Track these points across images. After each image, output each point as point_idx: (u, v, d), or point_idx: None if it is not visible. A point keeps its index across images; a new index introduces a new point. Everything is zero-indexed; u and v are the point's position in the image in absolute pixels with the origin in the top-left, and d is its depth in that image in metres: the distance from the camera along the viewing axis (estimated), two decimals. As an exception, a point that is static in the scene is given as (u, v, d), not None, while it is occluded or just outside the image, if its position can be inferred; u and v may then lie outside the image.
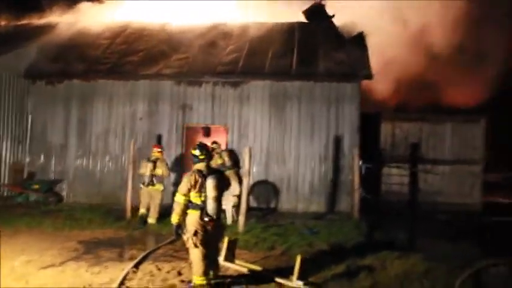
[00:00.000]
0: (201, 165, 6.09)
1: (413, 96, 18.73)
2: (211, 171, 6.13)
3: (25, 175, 13.93)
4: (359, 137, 12.94)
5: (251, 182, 12.87)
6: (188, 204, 5.93)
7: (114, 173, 13.73)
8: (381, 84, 17.61)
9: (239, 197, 10.19)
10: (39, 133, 14.15)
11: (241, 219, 9.65)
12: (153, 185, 10.57)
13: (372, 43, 14.84)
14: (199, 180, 5.92)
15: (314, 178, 13.22)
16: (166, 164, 11.05)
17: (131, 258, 7.28)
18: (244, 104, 13.51)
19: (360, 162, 11.91)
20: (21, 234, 8.96)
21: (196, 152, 6.13)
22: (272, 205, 13.22)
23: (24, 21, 18.11)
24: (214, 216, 5.92)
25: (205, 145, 6.35)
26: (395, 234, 9.58)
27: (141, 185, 10.70)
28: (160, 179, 10.70)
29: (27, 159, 14.12)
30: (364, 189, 12.20)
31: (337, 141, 13.07)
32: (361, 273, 6.59)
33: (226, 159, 11.56)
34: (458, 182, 14.20)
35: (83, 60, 14.72)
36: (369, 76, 12.88)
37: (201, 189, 5.91)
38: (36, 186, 13.14)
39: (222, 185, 6.08)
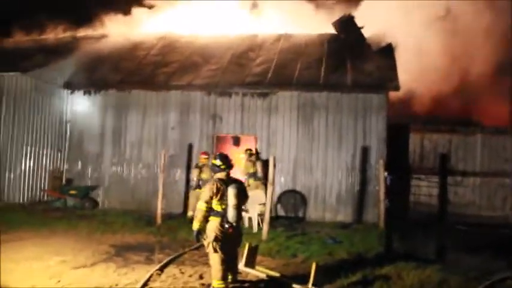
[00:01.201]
0: (221, 174, 6.40)
1: (445, 110, 18.50)
2: (231, 180, 6.43)
3: (63, 181, 14.63)
4: (386, 148, 13.02)
5: (279, 191, 13.20)
6: (209, 212, 6.26)
7: (146, 180, 14.22)
8: (412, 96, 17.54)
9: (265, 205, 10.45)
10: (76, 141, 14.82)
11: (265, 227, 9.90)
12: (200, 188, 11.50)
13: (403, 54, 14.87)
14: (221, 188, 6.23)
15: (341, 188, 13.35)
16: None
17: (158, 262, 7.64)
18: (272, 114, 13.78)
19: (386, 174, 11.96)
20: (58, 235, 9.53)
21: (217, 162, 6.46)
22: (300, 214, 13.43)
23: (64, 35, 19.02)
24: (234, 224, 6.22)
25: (226, 155, 6.65)
26: (419, 246, 9.64)
27: (191, 190, 12.44)
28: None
29: (66, 166, 14.80)
30: (390, 201, 12.21)
31: (364, 152, 13.16)
32: (376, 282, 6.70)
33: (259, 169, 11.87)
34: (490, 195, 14.02)
35: (119, 71, 15.38)
36: (396, 88, 12.98)
37: (223, 197, 6.21)
38: (74, 192, 13.81)
39: (242, 194, 6.37)
